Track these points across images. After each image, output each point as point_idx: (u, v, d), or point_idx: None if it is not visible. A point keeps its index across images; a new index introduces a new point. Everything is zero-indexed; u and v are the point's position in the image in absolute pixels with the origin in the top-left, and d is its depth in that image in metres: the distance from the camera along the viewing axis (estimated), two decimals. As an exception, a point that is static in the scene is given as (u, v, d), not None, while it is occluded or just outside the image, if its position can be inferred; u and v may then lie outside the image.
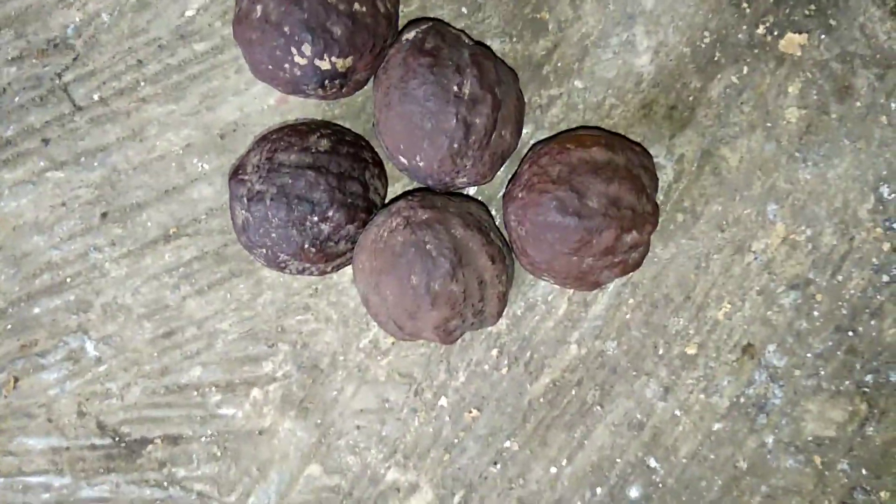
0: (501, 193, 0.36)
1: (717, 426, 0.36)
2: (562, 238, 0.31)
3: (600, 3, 0.36)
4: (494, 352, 0.36)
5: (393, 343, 0.37)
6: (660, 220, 0.36)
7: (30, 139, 0.37)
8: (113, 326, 0.37)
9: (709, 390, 0.36)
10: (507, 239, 0.34)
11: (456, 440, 0.36)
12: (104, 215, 0.37)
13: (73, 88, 0.37)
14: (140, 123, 0.37)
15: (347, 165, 0.33)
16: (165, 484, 0.37)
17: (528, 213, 0.32)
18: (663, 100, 0.36)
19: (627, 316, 0.36)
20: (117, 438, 0.37)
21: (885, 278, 0.36)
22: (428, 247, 0.31)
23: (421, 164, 0.32)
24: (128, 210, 0.37)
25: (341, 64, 0.32)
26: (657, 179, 0.33)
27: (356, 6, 0.32)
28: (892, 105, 0.36)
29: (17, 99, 0.37)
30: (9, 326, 0.37)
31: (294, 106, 0.37)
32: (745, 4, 0.36)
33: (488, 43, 0.36)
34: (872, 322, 0.36)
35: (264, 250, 0.33)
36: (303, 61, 0.32)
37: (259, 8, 0.32)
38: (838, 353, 0.36)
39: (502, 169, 0.36)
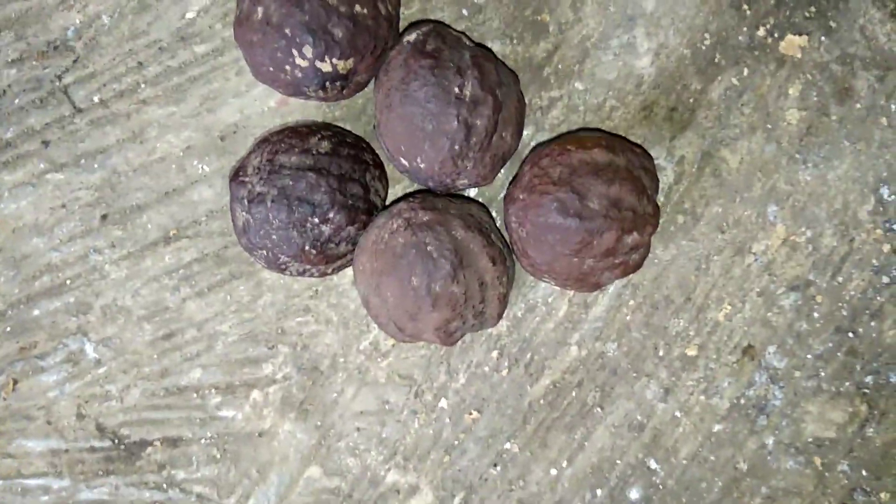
0: (502, 195, 0.36)
1: (717, 427, 0.36)
2: (563, 239, 0.31)
3: (601, 5, 0.36)
4: (495, 353, 0.36)
5: (393, 345, 0.37)
6: (660, 221, 0.36)
7: (30, 141, 0.37)
8: (113, 328, 0.37)
9: (709, 392, 0.36)
10: (508, 240, 0.34)
11: (456, 442, 0.36)
12: (104, 217, 0.37)
13: (74, 90, 0.37)
14: (140, 125, 0.37)
15: (348, 167, 0.33)
16: (165, 486, 0.37)
17: (529, 215, 0.32)
18: (664, 101, 0.36)
19: (628, 317, 0.36)
20: (117, 441, 0.37)
21: (886, 279, 0.36)
22: (429, 248, 0.31)
23: (422, 165, 0.33)
24: (128, 212, 0.37)
25: (342, 66, 0.32)
26: (658, 181, 0.33)
27: (357, 8, 0.32)
28: (893, 107, 0.36)
29: (17, 101, 0.37)
30: (8, 328, 0.37)
31: (294, 108, 0.37)
32: (745, 6, 0.36)
33: (489, 45, 0.36)
34: (872, 323, 0.36)
35: (265, 252, 0.33)
36: (304, 63, 0.32)
37: (260, 10, 0.32)
38: (838, 354, 0.36)
39: (503, 170, 0.36)
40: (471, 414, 0.36)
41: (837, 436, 0.36)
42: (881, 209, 0.36)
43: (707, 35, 0.36)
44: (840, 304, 0.36)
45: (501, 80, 0.33)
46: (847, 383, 0.36)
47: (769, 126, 0.36)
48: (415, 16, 0.36)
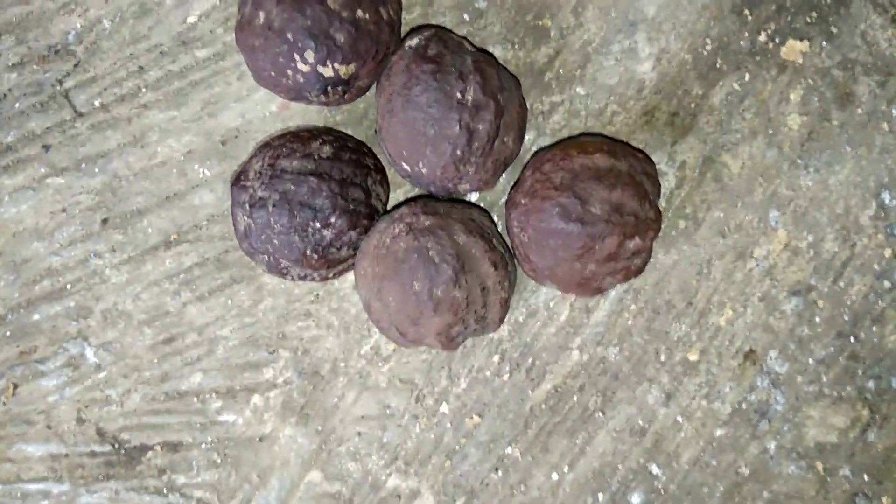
0: (504, 199, 0.36)
1: (718, 432, 0.36)
2: (565, 244, 0.31)
3: (602, 10, 0.36)
4: (496, 358, 0.36)
5: (394, 349, 0.37)
6: (662, 226, 0.36)
7: (30, 145, 0.37)
8: (113, 333, 0.37)
9: (711, 396, 0.36)
10: (510, 245, 0.34)
11: (457, 446, 0.36)
12: (105, 221, 0.37)
13: (74, 94, 0.37)
14: (141, 129, 0.37)
15: (350, 172, 0.33)
16: (165, 491, 0.37)
17: (531, 220, 0.32)
18: (665, 106, 0.36)
19: (629, 322, 0.36)
20: (117, 445, 0.37)
21: (887, 284, 0.36)
22: (430, 253, 0.31)
23: (423, 170, 0.32)
24: (128, 216, 0.37)
25: (344, 71, 0.32)
26: (659, 186, 0.34)
27: (359, 13, 0.32)
28: (894, 112, 0.36)
29: (17, 105, 0.37)
30: (8, 333, 0.37)
31: (295, 112, 0.37)
32: (746, 12, 0.36)
33: (490, 50, 0.36)
34: (874, 328, 0.36)
35: (266, 256, 0.33)
36: (305, 68, 0.32)
37: (262, 15, 0.32)
38: (840, 359, 0.36)
39: (504, 175, 0.36)
40: (472, 419, 0.36)
41: (839, 440, 0.36)
42: (882, 214, 0.36)
43: (708, 40, 0.36)
44: (842, 309, 0.36)
45: (503, 84, 0.33)
46: (849, 388, 0.36)
47: (770, 131, 0.36)
48: (416, 21, 0.37)
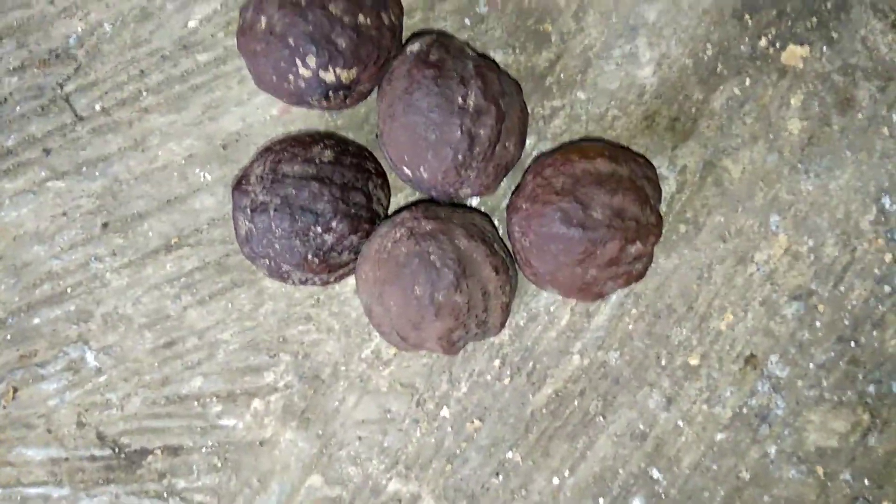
0: (505, 204, 0.36)
1: (719, 437, 0.36)
2: (566, 249, 0.31)
3: (603, 15, 0.36)
4: (497, 362, 0.36)
5: (395, 353, 0.37)
6: (663, 231, 0.36)
7: (31, 149, 0.37)
8: (113, 337, 0.37)
9: (711, 401, 0.36)
10: (511, 250, 0.34)
11: (458, 451, 0.36)
12: (105, 225, 0.37)
13: (75, 98, 0.37)
14: (142, 133, 0.37)
15: (351, 176, 0.33)
16: (165, 495, 0.37)
17: (533, 224, 0.32)
18: (666, 111, 0.36)
19: (630, 326, 0.36)
20: (117, 449, 0.37)
21: (888, 289, 0.36)
22: (432, 258, 0.31)
23: (425, 175, 0.33)
24: (129, 220, 0.37)
25: (346, 76, 0.32)
26: (660, 191, 0.34)
27: (361, 18, 0.32)
28: (894, 117, 0.36)
29: (18, 109, 0.37)
30: (8, 336, 0.37)
31: (297, 116, 0.37)
32: (747, 17, 0.36)
33: (492, 54, 0.36)
34: (874, 333, 0.36)
35: (267, 261, 0.33)
36: (307, 73, 0.32)
37: (263, 19, 0.32)
38: (840, 363, 0.36)
39: (505, 180, 0.36)
40: (473, 423, 0.36)
41: (840, 445, 0.36)
42: (883, 219, 0.36)
43: (709, 45, 0.36)
44: (842, 314, 0.36)
45: (504, 89, 0.33)
46: (849, 392, 0.36)
47: (771, 136, 0.36)
48: (417, 25, 0.37)
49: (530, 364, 0.36)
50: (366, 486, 0.36)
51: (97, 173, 0.37)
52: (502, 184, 0.36)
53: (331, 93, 0.32)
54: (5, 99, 0.37)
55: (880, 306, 0.36)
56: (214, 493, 0.36)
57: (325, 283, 0.34)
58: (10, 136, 0.37)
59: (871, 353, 0.36)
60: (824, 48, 0.36)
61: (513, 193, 0.35)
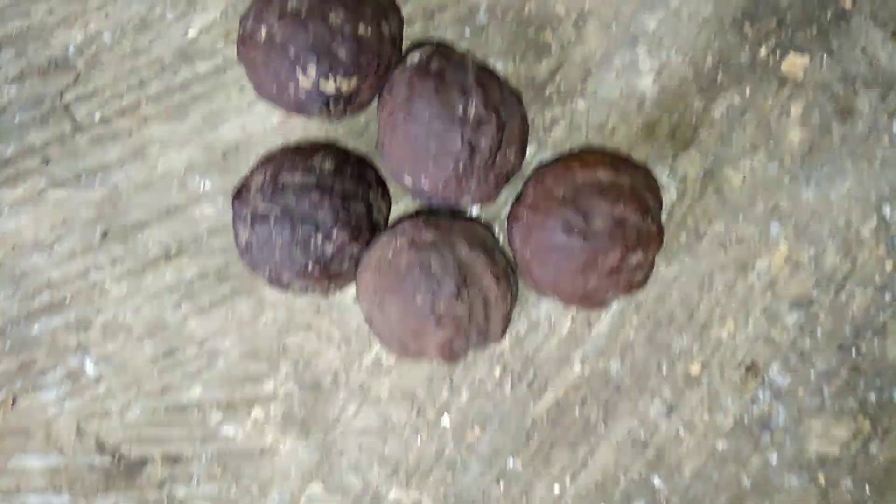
0: (505, 212, 0.36)
1: (721, 445, 0.36)
2: (567, 258, 0.31)
3: (603, 24, 0.36)
4: (497, 370, 0.36)
5: (395, 362, 0.36)
6: (664, 239, 0.36)
7: (30, 158, 0.37)
8: (113, 345, 0.37)
9: (713, 409, 0.36)
10: (512, 258, 0.34)
11: (459, 459, 0.36)
12: (105, 234, 0.37)
13: (75, 108, 0.37)
14: (142, 142, 0.37)
15: (351, 186, 0.33)
16: (165, 503, 0.36)
17: (534, 234, 0.32)
18: (666, 120, 0.36)
19: (631, 335, 0.36)
20: (116, 457, 0.37)
21: (888, 297, 0.36)
22: (433, 267, 0.31)
23: (425, 184, 0.33)
24: (129, 229, 0.37)
25: (346, 86, 0.32)
26: (661, 200, 0.34)
27: (361, 28, 0.32)
28: (894, 126, 0.36)
29: (17, 118, 0.37)
30: (8, 345, 0.37)
31: (297, 125, 0.37)
32: (747, 26, 0.36)
33: (492, 64, 0.36)
34: (875, 341, 0.36)
35: (268, 270, 0.33)
36: (307, 83, 0.32)
37: (264, 29, 0.32)
38: (841, 371, 0.36)
39: (506, 188, 0.36)
40: (473, 431, 0.36)
41: (841, 453, 0.36)
42: (883, 227, 0.36)
43: (709, 54, 0.36)
44: (843, 322, 0.36)
45: (505, 99, 0.33)
46: (850, 400, 0.36)
47: (771, 145, 0.36)
48: (417, 34, 0.37)
49: (531, 372, 0.36)
50: (366, 494, 0.36)
51: (97, 182, 0.37)
52: (503, 192, 0.36)
53: (331, 102, 0.32)
54: (4, 108, 0.37)
55: (881, 314, 0.36)
56: (214, 502, 0.36)
57: (325, 292, 0.34)
58: (9, 145, 0.37)
59: (872, 362, 0.36)
60: (824, 57, 0.36)
61: (514, 202, 0.35)
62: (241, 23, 0.33)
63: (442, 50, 0.33)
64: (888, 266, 0.36)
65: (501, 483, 0.36)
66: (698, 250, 0.36)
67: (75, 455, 0.37)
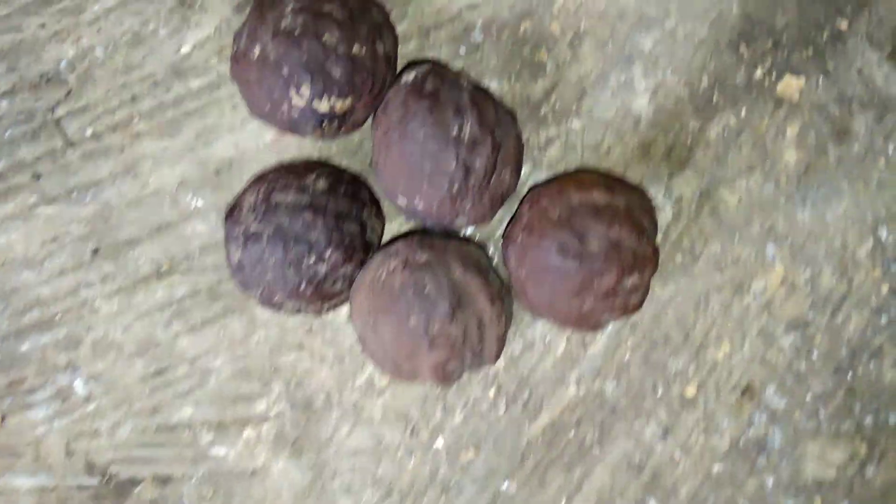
0: (500, 232, 0.36)
1: (716, 467, 0.36)
2: (562, 280, 0.31)
3: (598, 44, 0.36)
4: (492, 391, 0.36)
5: (389, 382, 0.36)
6: (659, 261, 0.35)
7: (21, 174, 0.37)
8: (103, 364, 0.36)
9: (709, 431, 0.36)
10: (507, 279, 0.34)
11: (453, 481, 0.36)
12: (96, 251, 0.37)
13: (66, 123, 0.37)
14: (134, 159, 0.37)
15: (345, 205, 0.33)
16: (155, 524, 0.36)
17: (529, 255, 0.32)
18: (662, 140, 0.36)
19: (626, 356, 0.36)
20: (106, 478, 0.36)
21: (884, 319, 0.36)
22: (427, 288, 0.31)
23: (420, 205, 0.32)
24: (120, 246, 0.37)
25: (340, 105, 0.32)
26: (656, 222, 0.33)
27: (356, 48, 0.31)
28: (891, 147, 0.36)
29: (8, 133, 0.37)
30: (-4, 363, 0.37)
31: (290, 143, 0.36)
32: (742, 47, 0.36)
33: (486, 83, 0.36)
34: (872, 363, 0.36)
35: (260, 290, 0.33)
36: (301, 102, 0.32)
37: (257, 47, 0.32)
38: (838, 394, 0.36)
39: (501, 209, 0.36)
40: (467, 452, 0.36)
41: (837, 476, 0.36)
42: (880, 249, 0.36)
43: (705, 75, 0.36)
44: (839, 344, 0.36)
45: (500, 119, 0.33)
46: (847, 423, 0.36)
47: (767, 166, 0.36)
48: (412, 53, 0.36)
49: (526, 393, 0.36)
50: (359, 517, 0.36)
51: (88, 199, 0.37)
52: (498, 213, 0.36)
53: (325, 122, 0.32)
54: (-5, 123, 0.37)
55: (877, 337, 0.36)
56: (205, 524, 0.36)
57: (318, 313, 0.34)
58: (-1, 161, 0.37)
59: (869, 384, 0.36)
60: (820, 79, 0.36)
61: (508, 223, 0.34)
62: (234, 40, 0.33)
63: (437, 69, 0.33)
64: (884, 288, 0.36)
65: (495, 505, 0.36)
66: (694, 271, 0.36)
67: (64, 475, 0.36)
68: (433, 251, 0.32)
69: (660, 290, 0.36)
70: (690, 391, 0.36)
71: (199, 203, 0.37)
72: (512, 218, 0.34)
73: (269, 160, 0.36)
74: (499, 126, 0.32)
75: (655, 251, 0.33)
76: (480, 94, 0.32)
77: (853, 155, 0.36)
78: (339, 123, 0.33)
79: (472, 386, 0.36)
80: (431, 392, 0.36)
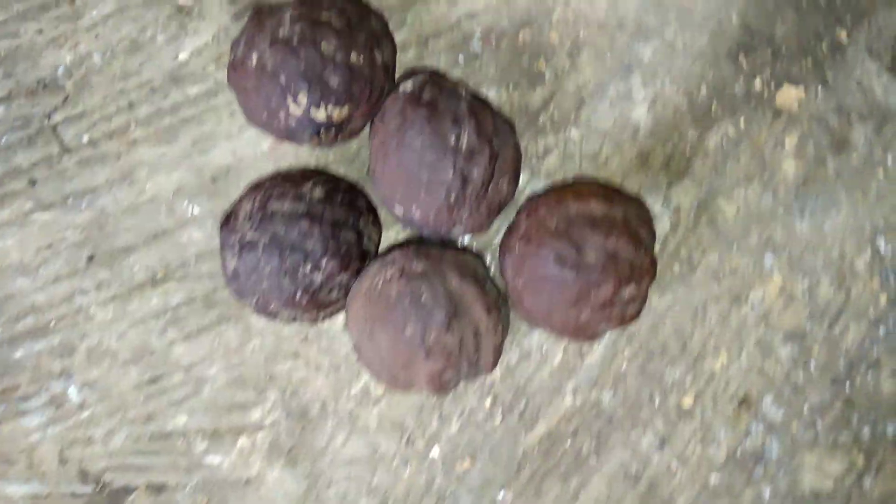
0: (496, 241, 0.36)
1: (713, 478, 0.36)
2: (560, 291, 0.31)
3: (597, 53, 0.36)
4: (488, 401, 0.36)
5: (384, 391, 0.36)
6: (657, 272, 0.35)
7: (17, 180, 0.37)
8: (98, 371, 0.36)
9: (706, 442, 0.36)
10: (503, 289, 0.34)
11: (448, 491, 0.36)
12: (91, 258, 0.36)
13: (63, 129, 0.37)
14: (130, 166, 0.37)
15: (342, 214, 0.33)
16: (149, 532, 0.36)
17: (526, 265, 0.32)
18: (660, 150, 0.36)
19: (623, 366, 0.36)
20: (100, 486, 0.36)
21: (882, 331, 0.36)
22: (423, 298, 0.31)
23: (417, 214, 0.32)
24: (115, 253, 0.36)
25: (337, 114, 0.32)
26: (654, 232, 0.33)
27: (353, 57, 0.31)
28: (889, 158, 0.36)
29: (4, 139, 0.37)
30: (-10, 370, 0.36)
31: (287, 151, 0.36)
32: (741, 58, 0.36)
33: (485, 92, 0.36)
34: (869, 374, 0.36)
35: (255, 299, 0.33)
36: (298, 111, 0.31)
37: (255, 55, 0.31)
38: (835, 405, 0.36)
39: (498, 218, 0.36)
40: (463, 462, 0.36)
41: (835, 487, 0.36)
42: (878, 260, 0.36)
43: (703, 85, 0.36)
44: (837, 355, 0.36)
45: (498, 129, 0.32)
46: (844, 434, 0.36)
47: (766, 176, 0.36)
48: (411, 61, 0.36)
49: (522, 403, 0.36)
50: (354, 526, 0.36)
51: (84, 205, 0.36)
52: (495, 222, 0.36)
53: (322, 131, 0.32)
54: (-9, 129, 0.37)
55: (875, 348, 0.36)
56: (199, 533, 0.36)
57: (314, 321, 0.34)
58: (-5, 167, 0.37)
59: (867, 395, 0.36)
60: (819, 89, 0.36)
61: (506, 233, 0.34)
62: (232, 47, 0.33)
63: (435, 78, 0.33)
64: (882, 300, 0.36)
65: (491, 515, 0.36)
66: (692, 281, 0.36)
67: (58, 483, 0.36)
68: (430, 260, 0.32)
69: (657, 300, 0.36)
70: (687, 401, 0.36)
71: (196, 210, 0.36)
72: (509, 227, 0.34)
73: (266, 168, 0.36)
74: (497, 135, 0.32)
75: (653, 262, 0.33)
76: (478, 104, 0.32)
77: (852, 166, 0.36)
78: (337, 132, 0.33)
79: (468, 395, 0.36)
80: (427, 401, 0.36)
